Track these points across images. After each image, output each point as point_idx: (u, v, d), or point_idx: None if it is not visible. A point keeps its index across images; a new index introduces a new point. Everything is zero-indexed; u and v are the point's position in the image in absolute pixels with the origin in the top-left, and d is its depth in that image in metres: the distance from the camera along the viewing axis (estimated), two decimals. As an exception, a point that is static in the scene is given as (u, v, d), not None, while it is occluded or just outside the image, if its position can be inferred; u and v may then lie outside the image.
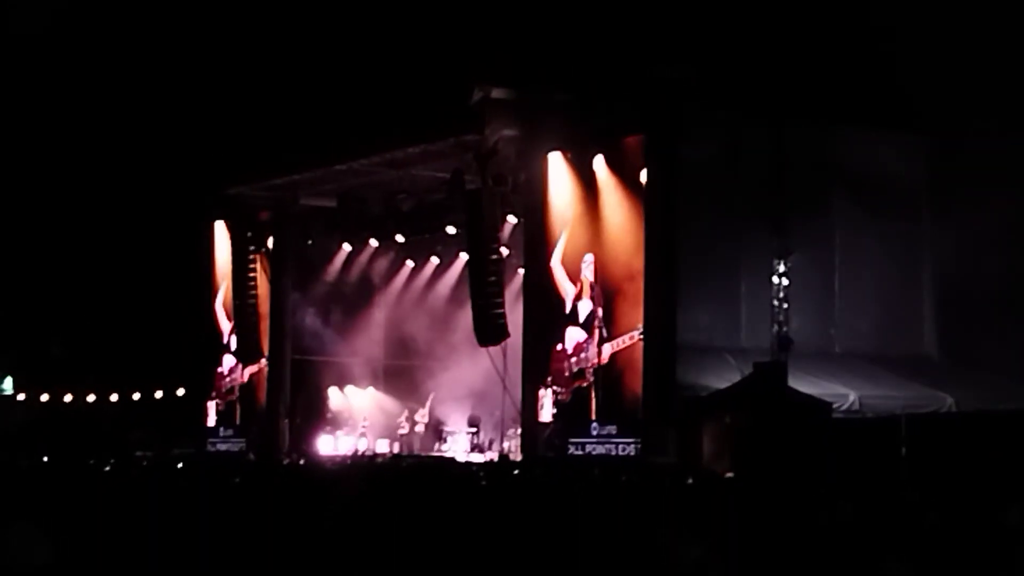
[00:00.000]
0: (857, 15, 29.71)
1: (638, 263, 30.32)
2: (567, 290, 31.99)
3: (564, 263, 32.13)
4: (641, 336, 29.95)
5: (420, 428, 37.85)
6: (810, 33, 29.47)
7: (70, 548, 8.21)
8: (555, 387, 31.92)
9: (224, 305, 41.72)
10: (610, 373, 30.86)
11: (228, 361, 41.75)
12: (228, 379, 41.84)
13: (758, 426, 25.21)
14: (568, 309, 31.87)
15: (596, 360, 31.06)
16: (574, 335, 31.72)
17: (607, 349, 30.89)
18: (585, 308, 31.60)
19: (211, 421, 41.94)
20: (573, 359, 31.64)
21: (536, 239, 32.97)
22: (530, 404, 32.49)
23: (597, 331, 31.15)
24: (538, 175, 32.76)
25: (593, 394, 31.17)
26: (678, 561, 7.56)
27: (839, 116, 31.02)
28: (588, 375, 31.28)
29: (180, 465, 25.84)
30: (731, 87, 29.68)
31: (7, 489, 16.01)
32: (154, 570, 9.11)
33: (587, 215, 31.77)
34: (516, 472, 23.42)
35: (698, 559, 8.04)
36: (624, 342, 30.53)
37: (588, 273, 31.57)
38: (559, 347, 31.91)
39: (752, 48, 29.52)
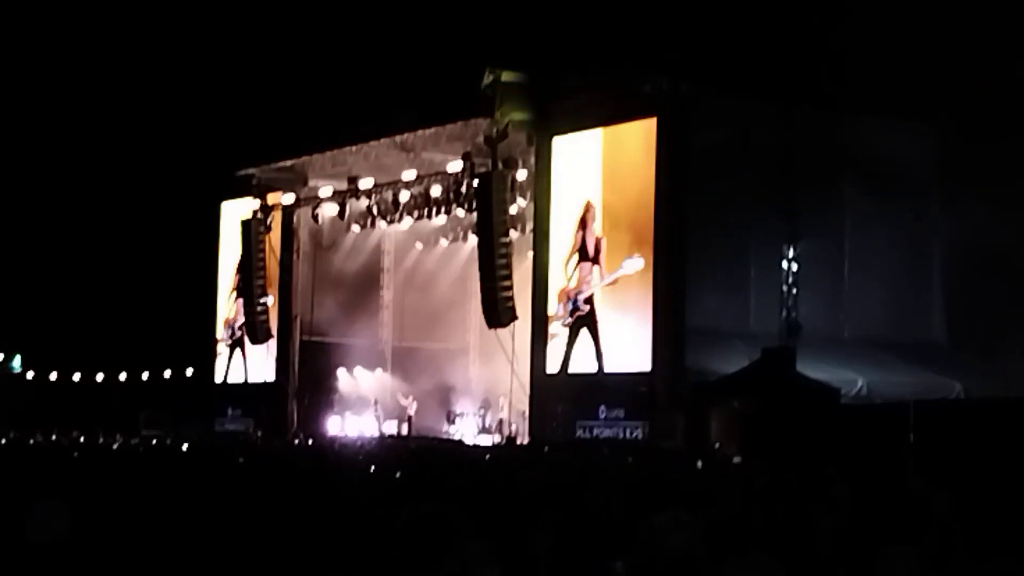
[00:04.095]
0: (867, 3, 29.64)
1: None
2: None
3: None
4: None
5: (412, 410, 38.13)
6: (820, 19, 29.40)
7: (89, 525, 8.29)
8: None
9: (233, 286, 41.78)
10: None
11: (236, 341, 41.88)
12: (236, 359, 42.00)
13: (766, 411, 25.19)
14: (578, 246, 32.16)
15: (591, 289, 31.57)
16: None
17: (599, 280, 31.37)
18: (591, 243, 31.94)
19: (218, 402, 42.11)
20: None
21: (545, 222, 32.99)
22: (537, 386, 32.59)
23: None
24: (548, 158, 32.78)
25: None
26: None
27: (849, 103, 30.98)
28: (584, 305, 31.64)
29: (187, 446, 25.86)
30: (741, 73, 29.65)
31: (28, 467, 16.06)
32: (163, 551, 9.16)
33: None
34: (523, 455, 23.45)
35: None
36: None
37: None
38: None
39: (762, 34, 29.48)
